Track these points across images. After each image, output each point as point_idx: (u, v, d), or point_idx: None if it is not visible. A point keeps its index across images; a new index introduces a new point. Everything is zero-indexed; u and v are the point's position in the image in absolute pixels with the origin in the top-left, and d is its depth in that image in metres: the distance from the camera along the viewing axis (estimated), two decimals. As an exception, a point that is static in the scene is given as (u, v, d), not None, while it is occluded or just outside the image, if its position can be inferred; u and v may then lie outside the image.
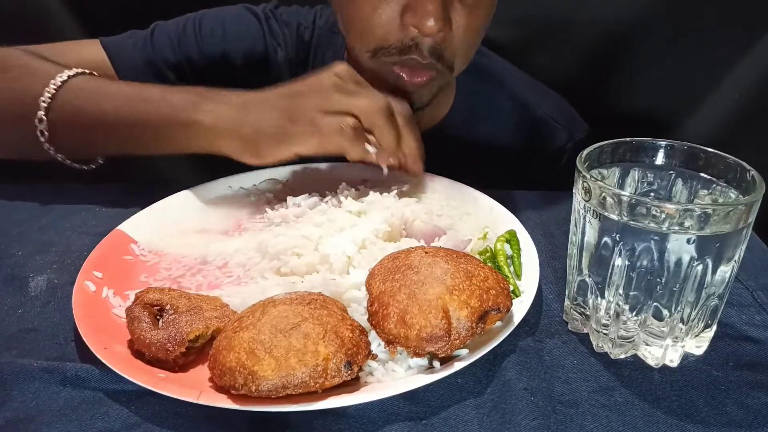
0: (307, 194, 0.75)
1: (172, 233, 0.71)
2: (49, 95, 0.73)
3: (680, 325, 0.51)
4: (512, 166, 0.95)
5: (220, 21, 0.90)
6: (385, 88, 0.76)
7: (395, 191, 0.74)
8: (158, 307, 0.55)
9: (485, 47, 0.98)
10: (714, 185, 0.54)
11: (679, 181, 0.56)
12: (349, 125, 0.67)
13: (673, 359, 0.53)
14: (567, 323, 0.59)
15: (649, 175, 0.57)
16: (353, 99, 0.68)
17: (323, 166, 0.84)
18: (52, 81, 0.73)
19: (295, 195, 0.75)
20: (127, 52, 0.86)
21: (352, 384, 0.48)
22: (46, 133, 0.74)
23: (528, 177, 0.95)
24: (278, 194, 0.79)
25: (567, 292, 0.59)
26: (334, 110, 0.67)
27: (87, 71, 0.77)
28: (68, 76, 0.74)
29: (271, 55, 0.92)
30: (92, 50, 0.85)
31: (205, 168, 0.75)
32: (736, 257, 0.50)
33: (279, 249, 0.63)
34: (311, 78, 0.70)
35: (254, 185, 0.81)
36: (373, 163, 0.71)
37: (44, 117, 0.73)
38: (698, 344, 0.54)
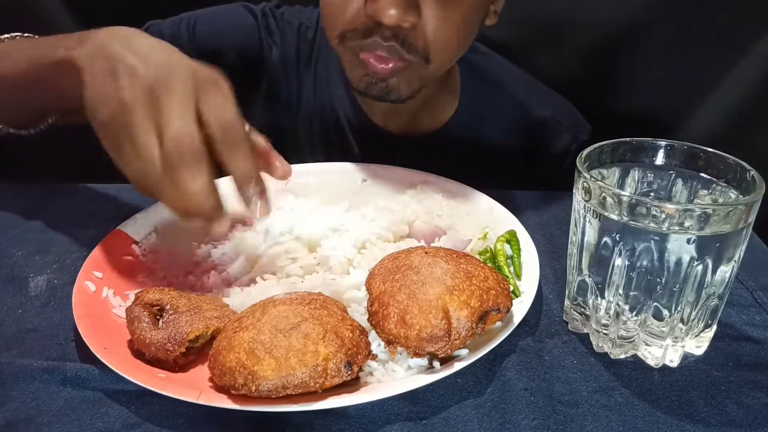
0: (306, 195, 0.75)
1: (172, 233, 0.71)
2: None
3: (680, 325, 0.51)
4: (516, 168, 0.95)
5: (215, 17, 0.91)
6: (358, 80, 0.76)
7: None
8: (158, 307, 0.54)
9: (486, 47, 0.98)
10: (714, 185, 0.54)
11: (679, 181, 0.56)
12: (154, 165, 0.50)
13: (673, 359, 0.53)
14: (567, 323, 0.59)
15: (649, 175, 0.57)
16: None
17: (323, 166, 0.84)
18: None
19: (294, 195, 0.75)
20: None
21: (352, 384, 0.48)
22: None
23: (531, 178, 0.95)
24: (278, 195, 0.79)
25: (567, 292, 0.59)
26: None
27: (27, 35, 0.70)
28: None
29: (265, 53, 0.92)
30: None
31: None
32: (736, 257, 0.50)
33: (278, 250, 0.63)
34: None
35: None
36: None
37: None
38: (698, 344, 0.54)
